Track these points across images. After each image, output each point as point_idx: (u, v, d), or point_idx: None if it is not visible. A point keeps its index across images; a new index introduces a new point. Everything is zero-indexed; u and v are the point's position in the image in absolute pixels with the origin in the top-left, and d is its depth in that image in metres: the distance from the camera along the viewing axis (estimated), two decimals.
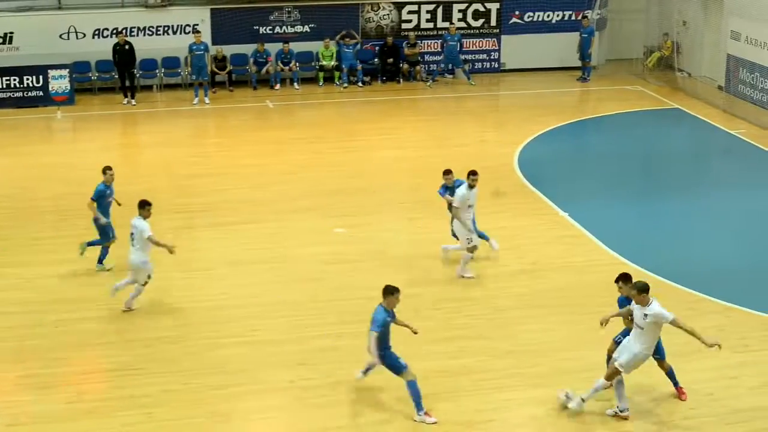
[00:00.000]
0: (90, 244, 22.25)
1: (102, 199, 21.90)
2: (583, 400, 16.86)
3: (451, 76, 39.28)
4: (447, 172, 22.73)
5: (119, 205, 22.35)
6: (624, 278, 17.25)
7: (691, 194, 27.55)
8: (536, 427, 16.77)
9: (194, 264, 22.69)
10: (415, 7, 39.03)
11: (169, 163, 29.49)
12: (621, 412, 16.89)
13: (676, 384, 17.57)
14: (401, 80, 38.54)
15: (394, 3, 38.75)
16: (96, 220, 21.91)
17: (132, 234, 20.11)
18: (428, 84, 38.19)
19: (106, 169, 22.14)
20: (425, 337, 19.30)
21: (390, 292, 16.86)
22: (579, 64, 39.36)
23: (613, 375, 16.73)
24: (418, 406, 16.72)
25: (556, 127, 33.26)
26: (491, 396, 17.37)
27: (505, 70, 40.09)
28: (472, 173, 21.65)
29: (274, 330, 19.71)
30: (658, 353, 17.21)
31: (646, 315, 16.37)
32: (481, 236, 22.81)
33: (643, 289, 16.43)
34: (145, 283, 20.30)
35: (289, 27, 38.09)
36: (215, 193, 27.00)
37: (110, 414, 16.90)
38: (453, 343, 19.26)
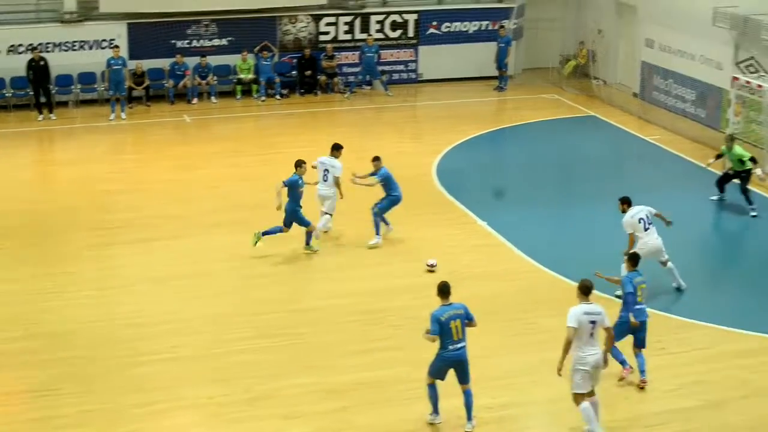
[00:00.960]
0: (266, 233, 23.82)
1: (294, 189, 23.59)
2: None
3: (369, 87, 39.33)
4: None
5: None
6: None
7: (608, 201, 27.65)
8: None
9: (113, 281, 22.57)
10: (332, 19, 39.05)
11: (87, 180, 29.17)
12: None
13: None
14: (319, 92, 38.51)
15: (311, 15, 38.75)
16: (292, 212, 23.69)
17: (326, 171, 24.22)
18: (346, 96, 38.23)
19: (302, 163, 23.90)
20: (345, 349, 19.40)
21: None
22: (496, 73, 39.60)
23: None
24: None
25: (474, 136, 33.43)
26: (414, 406, 17.36)
27: (422, 81, 40.20)
28: None
29: (193, 346, 19.62)
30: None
31: None
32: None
33: (580, 289, 16.67)
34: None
35: (206, 40, 37.93)
36: (134, 209, 26.80)
37: None
38: (374, 354, 19.31)
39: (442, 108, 37.32)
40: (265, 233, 23.80)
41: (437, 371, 16.66)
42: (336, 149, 24.97)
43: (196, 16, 37.47)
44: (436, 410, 16.84)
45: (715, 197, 27.28)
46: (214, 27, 37.89)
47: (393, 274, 22.93)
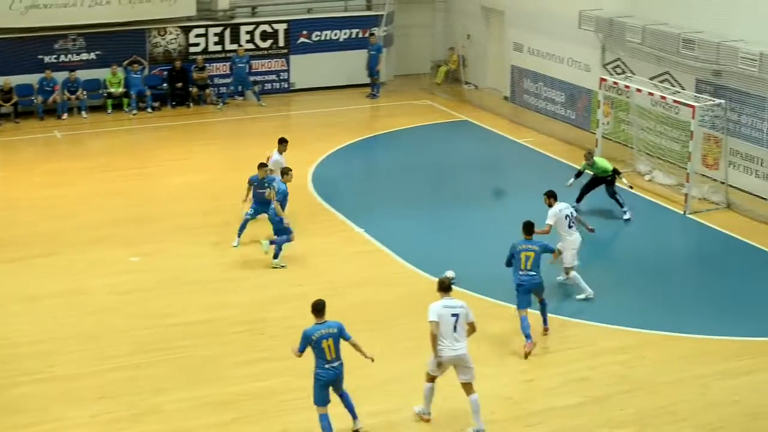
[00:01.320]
0: (273, 242, 23.67)
1: (285, 198, 23.53)
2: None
3: (241, 98, 39.14)
4: None
5: None
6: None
7: (483, 203, 28.12)
8: None
9: None
10: (202, 30, 38.76)
11: None
12: (423, 414, 17.27)
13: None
14: (191, 104, 38.20)
15: (180, 27, 38.42)
16: (279, 221, 23.46)
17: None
18: (219, 107, 37.98)
19: (288, 170, 24.05)
20: (229, 361, 19.27)
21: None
22: (368, 81, 39.73)
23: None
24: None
25: (348, 144, 33.48)
26: (297, 416, 17.33)
27: (295, 90, 40.14)
28: None
29: (71, 365, 19.27)
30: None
31: None
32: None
33: (438, 286, 17.19)
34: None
35: (74, 55, 37.35)
36: (6, 227, 26.28)
37: None
38: (258, 365, 19.21)
39: (315, 117, 37.31)
40: (272, 242, 23.73)
41: (321, 395, 16.38)
42: (280, 143, 26.30)
43: (63, 31, 36.83)
44: None
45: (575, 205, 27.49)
46: (81, 41, 37.32)
47: (272, 284, 22.84)
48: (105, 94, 37.36)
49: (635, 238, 25.99)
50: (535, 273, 19.89)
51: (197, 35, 38.74)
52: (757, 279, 23.31)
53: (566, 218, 22.02)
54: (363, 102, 39.17)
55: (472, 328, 16.94)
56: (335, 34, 40.56)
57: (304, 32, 40.13)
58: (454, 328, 16.64)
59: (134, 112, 37.13)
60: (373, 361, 16.70)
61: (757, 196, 27.92)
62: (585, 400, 18.00)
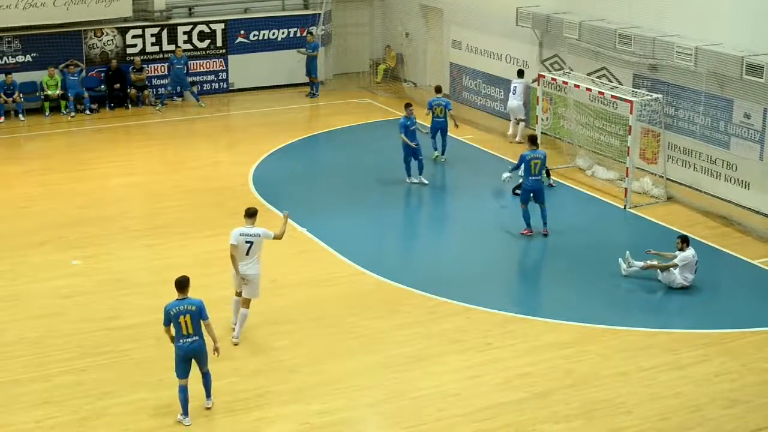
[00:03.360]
0: (420, 166, 29.31)
1: (406, 129, 29.01)
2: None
3: (180, 99, 38.96)
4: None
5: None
6: None
7: (426, 202, 28.19)
8: None
9: None
10: (139, 32, 38.53)
11: None
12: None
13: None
14: (129, 106, 37.96)
15: (117, 28, 38.16)
16: (407, 145, 29.15)
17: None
18: (157, 108, 37.78)
19: (408, 105, 29.59)
20: (171, 363, 19.13)
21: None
22: (307, 80, 39.69)
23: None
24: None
25: (289, 144, 33.42)
26: (243, 417, 17.33)
27: (234, 90, 40.03)
28: None
29: (14, 370, 19.06)
30: None
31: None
32: None
33: (245, 213, 19.83)
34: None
35: (10, 57, 36.99)
36: None
37: None
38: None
39: (255, 117, 37.20)
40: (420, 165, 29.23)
41: (180, 367, 17.14)
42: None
43: None
44: (185, 412, 17.13)
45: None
46: (17, 43, 36.97)
47: (214, 285, 22.62)
48: (42, 97, 37.04)
49: (576, 233, 26.10)
50: (539, 177, 24.99)
51: (134, 36, 38.50)
52: (697, 272, 23.49)
53: (695, 264, 22.54)
54: (303, 101, 39.13)
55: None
56: (273, 34, 40.50)
57: (242, 32, 40.03)
58: (247, 252, 19.47)
59: (72, 114, 36.83)
60: (217, 354, 17.31)
61: (696, 189, 28.19)
62: (529, 395, 18.09)
